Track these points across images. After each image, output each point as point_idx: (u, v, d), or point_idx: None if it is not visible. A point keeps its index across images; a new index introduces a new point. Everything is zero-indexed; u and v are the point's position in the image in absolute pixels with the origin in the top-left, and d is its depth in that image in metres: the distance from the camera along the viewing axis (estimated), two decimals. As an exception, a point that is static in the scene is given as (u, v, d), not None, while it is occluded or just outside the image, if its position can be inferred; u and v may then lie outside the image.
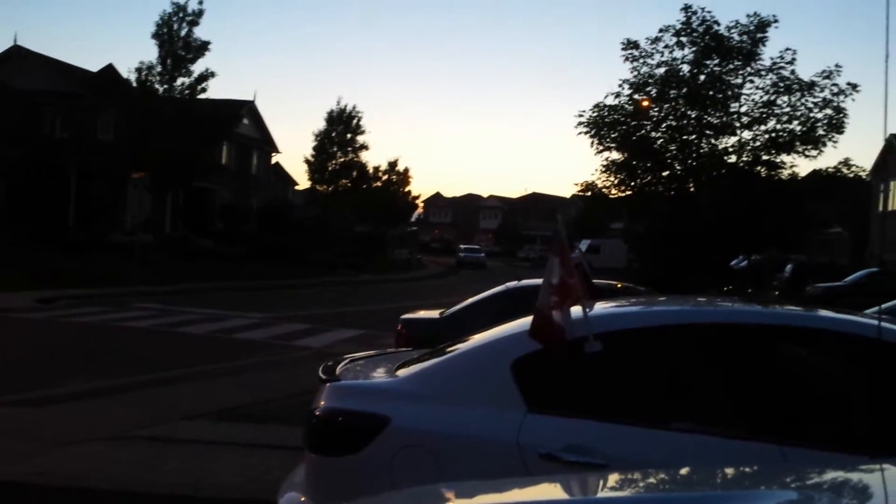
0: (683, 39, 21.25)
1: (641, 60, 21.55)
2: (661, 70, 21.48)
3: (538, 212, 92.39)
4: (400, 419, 3.35)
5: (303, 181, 56.80)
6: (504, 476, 3.13)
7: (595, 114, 21.49)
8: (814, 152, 21.09)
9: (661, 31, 21.38)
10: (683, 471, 2.35)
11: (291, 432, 7.35)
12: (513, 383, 3.32)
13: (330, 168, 51.87)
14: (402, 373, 3.68)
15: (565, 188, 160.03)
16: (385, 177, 59.33)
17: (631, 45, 21.46)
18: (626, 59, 21.62)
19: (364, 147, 52.84)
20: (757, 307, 3.84)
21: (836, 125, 20.73)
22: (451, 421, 3.33)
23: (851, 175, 22.75)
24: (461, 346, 3.77)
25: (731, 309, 3.87)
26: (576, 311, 3.45)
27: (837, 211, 29.13)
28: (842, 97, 20.44)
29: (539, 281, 8.94)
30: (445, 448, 3.28)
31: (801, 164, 22.46)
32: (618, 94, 21.53)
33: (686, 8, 20.91)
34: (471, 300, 8.71)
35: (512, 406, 3.26)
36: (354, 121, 52.29)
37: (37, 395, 8.48)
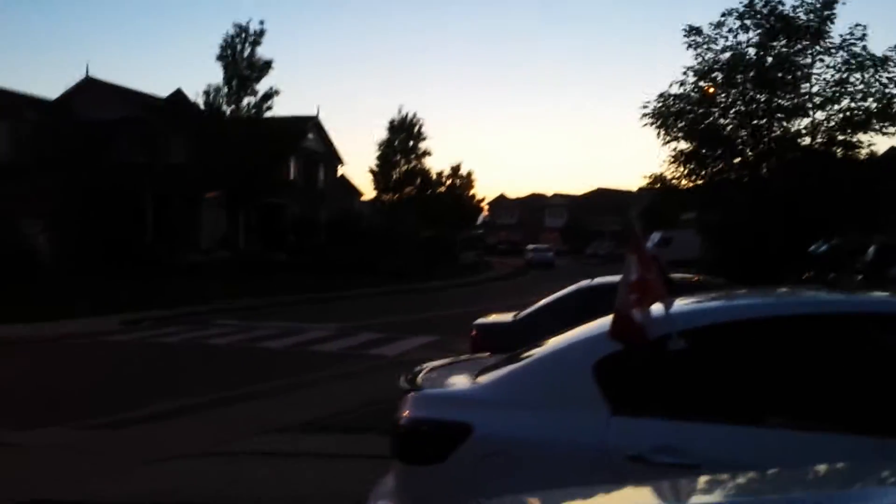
0: (748, 22, 20.63)
1: (705, 46, 21.01)
2: (727, 55, 20.91)
3: (604, 207, 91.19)
4: (483, 426, 3.33)
5: (369, 191, 57.47)
6: (592, 481, 3.08)
7: (660, 104, 21.06)
8: (892, 129, 20.20)
9: (723, 14, 20.81)
10: (774, 472, 2.23)
11: (375, 441, 7.44)
12: (596, 385, 3.26)
13: (394, 176, 52.36)
14: (482, 379, 3.66)
15: (631, 181, 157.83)
16: (449, 181, 59.57)
17: (693, 31, 20.94)
18: (689, 45, 21.10)
19: (427, 153, 53.25)
20: (842, 295, 3.70)
21: (915, 100, 19.84)
22: (534, 426, 3.29)
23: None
24: (541, 351, 3.73)
25: (818, 298, 3.72)
26: (657, 308, 3.37)
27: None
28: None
29: (612, 278, 8.88)
30: (529, 454, 3.25)
31: (879, 142, 21.85)
32: (682, 83, 21.04)
33: None
34: (544, 301, 8.63)
35: (596, 409, 3.21)
36: (416, 128, 52.71)
37: (125, 416, 8.77)
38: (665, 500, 2.18)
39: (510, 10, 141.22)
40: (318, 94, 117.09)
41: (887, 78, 20.03)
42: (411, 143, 52.68)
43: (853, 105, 20.61)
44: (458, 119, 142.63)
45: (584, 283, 8.56)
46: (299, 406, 9.30)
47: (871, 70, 20.18)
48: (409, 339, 15.48)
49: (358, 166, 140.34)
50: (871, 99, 20.35)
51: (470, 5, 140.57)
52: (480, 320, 8.79)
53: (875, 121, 20.31)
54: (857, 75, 20.39)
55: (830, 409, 3.09)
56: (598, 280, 8.57)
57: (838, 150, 21.02)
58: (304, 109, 53.10)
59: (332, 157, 52.39)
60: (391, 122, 52.54)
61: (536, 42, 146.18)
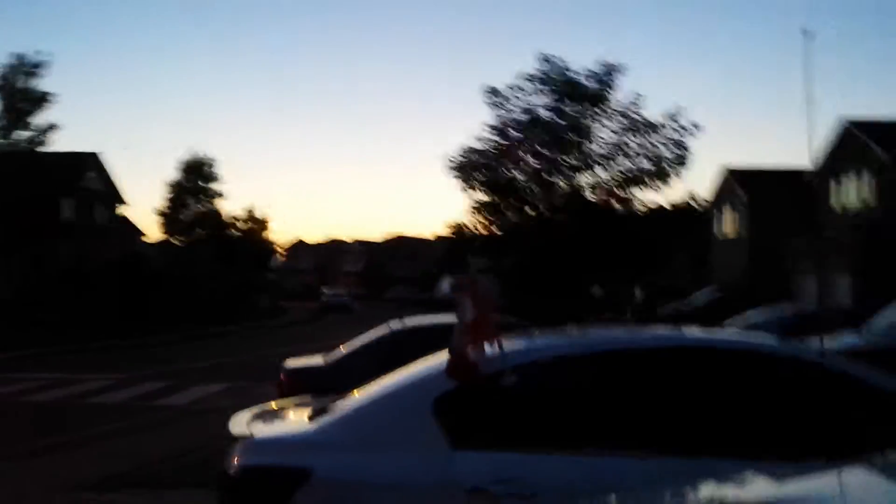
0: (541, 86, 22.49)
1: (502, 106, 22.59)
2: (522, 116, 22.61)
3: (403, 253, 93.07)
4: (322, 470, 3.27)
5: (154, 233, 54.42)
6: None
7: (463, 158, 22.26)
8: (662, 187, 22.72)
9: (520, 78, 22.55)
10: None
11: (178, 498, 6.99)
12: (435, 423, 3.33)
13: (184, 218, 50.07)
14: (318, 422, 3.60)
15: (429, 229, 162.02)
16: (243, 224, 57.89)
17: (493, 91, 22.48)
18: (489, 104, 22.60)
19: (220, 195, 51.49)
20: (666, 331, 4.06)
21: (681, 161, 22.47)
22: (376, 467, 3.28)
23: (696, 207, 24.53)
24: (377, 390, 3.74)
25: (639, 335, 4.04)
26: (490, 347, 3.53)
27: (683, 238, 31.27)
28: (685, 135, 22.25)
29: (422, 320, 9.02)
30: (372, 496, 3.23)
31: (651, 198, 24.54)
32: (482, 139, 22.45)
33: (542, 57, 22.26)
34: (356, 343, 8.57)
35: (436, 445, 3.27)
36: (208, 169, 50.87)
37: None
38: None
39: (311, 55, 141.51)
40: (103, 132, 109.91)
41: (659, 142, 22.55)
42: (203, 184, 50.73)
43: (630, 164, 22.96)
44: (257, 162, 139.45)
45: (396, 325, 8.63)
46: (88, 463, 8.49)
47: (646, 133, 22.61)
48: (205, 386, 14.73)
49: (144, 207, 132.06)
50: (645, 159, 22.78)
51: (271, 51, 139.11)
52: (289, 363, 8.50)
53: (648, 179, 22.69)
54: (634, 138, 22.77)
55: (653, 435, 3.32)
56: (409, 322, 8.68)
57: (617, 205, 23.19)
58: (86, 147, 49.64)
59: (114, 197, 49.10)
60: (184, 163, 50.41)
61: (338, 90, 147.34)
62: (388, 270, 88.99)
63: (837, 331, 9.10)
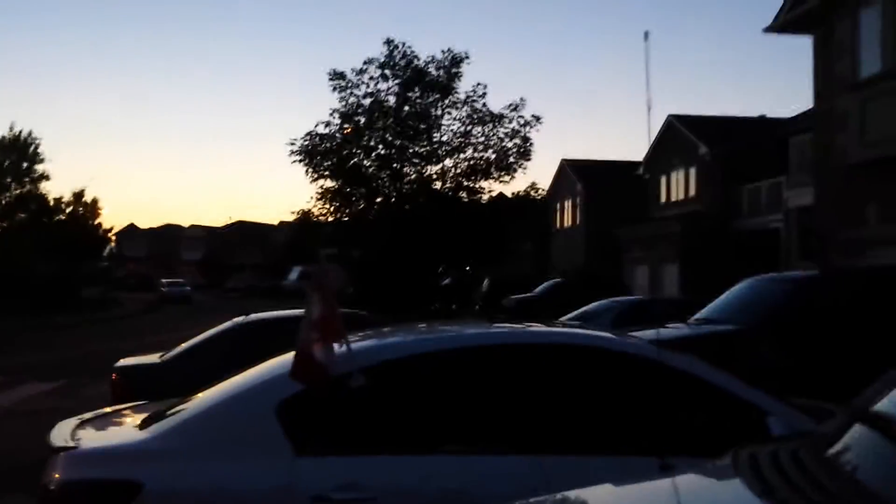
0: (387, 72, 22.38)
1: (349, 91, 22.27)
2: (368, 101, 22.40)
3: (245, 240, 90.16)
4: (154, 482, 3.07)
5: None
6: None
7: (307, 142, 21.73)
8: (507, 178, 23.35)
9: (365, 62, 22.27)
10: None
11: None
12: (279, 428, 3.20)
13: (3, 202, 46.13)
14: (149, 430, 3.37)
15: (273, 215, 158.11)
16: (70, 209, 54.09)
17: (338, 75, 22.10)
18: (334, 88, 22.21)
19: (44, 177, 47.84)
20: (509, 328, 4.11)
21: (524, 153, 23.17)
22: (214, 476, 3.12)
23: (538, 197, 25.38)
24: (215, 394, 3.55)
25: (476, 331, 4.08)
26: (337, 346, 3.42)
27: (526, 228, 32.35)
28: (528, 128, 22.97)
29: (266, 314, 8.75)
30: (211, 507, 3.06)
31: (497, 189, 25.17)
32: (328, 124, 22.04)
33: (388, 42, 22.03)
34: (195, 340, 8.16)
35: (279, 452, 3.14)
36: (31, 148, 47.09)
37: None
38: None
39: (151, 24, 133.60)
40: None
41: (503, 133, 23.11)
42: (25, 164, 46.91)
43: (476, 155, 23.40)
44: (86, 141, 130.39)
45: (239, 319, 8.29)
46: None
47: (490, 125, 23.11)
48: (28, 385, 13.61)
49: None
50: (490, 150, 23.29)
51: (104, 20, 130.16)
52: (122, 362, 7.96)
53: (493, 170, 23.23)
54: (479, 129, 23.23)
55: (499, 434, 3.36)
56: (253, 316, 8.39)
57: (464, 195, 23.58)
58: None
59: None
60: (1, 141, 46.32)
61: (175, 65, 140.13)
62: (231, 258, 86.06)
63: (667, 320, 9.67)
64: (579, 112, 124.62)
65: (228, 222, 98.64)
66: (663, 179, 32.96)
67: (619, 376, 3.55)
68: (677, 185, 32.01)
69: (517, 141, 22.93)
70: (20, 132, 46.83)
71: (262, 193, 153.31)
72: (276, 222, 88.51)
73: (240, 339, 7.63)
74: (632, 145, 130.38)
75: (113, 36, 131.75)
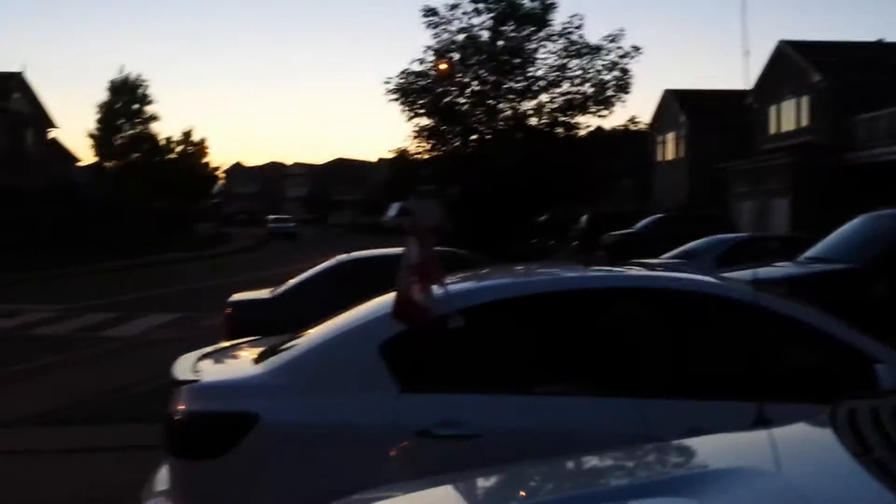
0: (480, 6, 22.00)
1: (442, 27, 22.06)
2: (462, 37, 22.12)
3: (345, 177, 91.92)
4: (269, 414, 3.27)
5: (88, 157, 52.56)
6: (383, 460, 3.17)
7: (403, 80, 21.79)
8: (605, 112, 22.73)
9: None
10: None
11: (124, 432, 6.96)
12: (383, 365, 3.34)
13: (118, 142, 48.40)
14: (264, 365, 3.58)
15: (371, 152, 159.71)
16: (180, 148, 56.25)
17: (430, 12, 21.89)
18: (428, 25, 22.03)
19: (154, 118, 49.81)
20: (607, 271, 4.12)
21: (623, 86, 22.42)
22: (324, 410, 3.30)
23: (638, 130, 24.64)
24: (323, 332, 3.73)
25: (576, 275, 4.09)
26: (437, 288, 3.51)
27: (625, 163, 31.58)
28: (626, 59, 22.17)
29: (369, 252, 8.99)
30: (321, 440, 3.26)
31: (594, 123, 24.41)
32: (422, 61, 21.97)
33: None
34: (302, 276, 8.50)
35: (385, 388, 3.29)
36: (141, 90, 49.00)
37: None
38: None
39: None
40: (27, 51, 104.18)
41: (601, 65, 22.40)
42: (136, 106, 48.92)
43: (572, 89, 22.81)
44: (191, 81, 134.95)
45: (343, 257, 8.58)
46: (29, 397, 8.37)
47: (588, 58, 22.42)
48: (150, 318, 14.53)
49: (75, 130, 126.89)
50: (587, 84, 22.65)
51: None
52: (235, 297, 8.39)
53: (590, 104, 22.63)
54: (576, 62, 22.58)
55: (601, 376, 3.41)
56: (356, 254, 8.65)
57: (560, 130, 23.12)
58: (8, 66, 47.14)
59: (43, 120, 47.06)
60: (112, 83, 48.37)
61: (276, 6, 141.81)
62: (333, 195, 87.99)
63: (774, 259, 9.35)
64: (681, 39, 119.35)
65: (330, 160, 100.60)
66: (773, 109, 31.37)
67: (717, 320, 3.53)
68: (788, 115, 30.42)
69: (616, 73, 22.23)
70: (129, 75, 48.73)
71: (362, 132, 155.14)
72: (375, 159, 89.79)
73: (343, 276, 7.93)
74: (734, 73, 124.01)
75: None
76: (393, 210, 55.76)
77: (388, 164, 56.98)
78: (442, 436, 3.17)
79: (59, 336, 12.72)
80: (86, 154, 54.50)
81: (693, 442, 2.03)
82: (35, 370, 9.88)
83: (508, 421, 3.23)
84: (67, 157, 56.91)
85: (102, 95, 49.27)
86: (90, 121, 64.69)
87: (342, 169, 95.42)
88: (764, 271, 7.39)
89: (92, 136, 48.11)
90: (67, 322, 14.13)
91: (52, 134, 49.90)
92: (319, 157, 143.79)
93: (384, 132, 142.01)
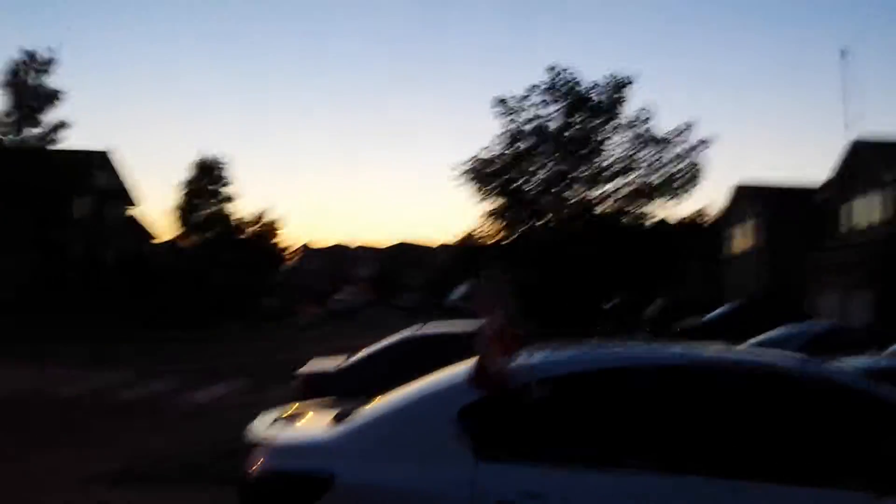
0: (551, 99, 22.50)
1: (511, 117, 22.63)
2: (531, 125, 22.60)
3: (407, 260, 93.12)
4: (345, 476, 3.25)
5: (164, 234, 54.49)
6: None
7: (474, 165, 22.35)
8: (672, 202, 22.69)
9: (528, 89, 22.56)
10: None
11: (196, 493, 6.99)
12: (461, 432, 3.30)
13: (195, 220, 50.17)
14: (340, 428, 3.57)
15: (433, 237, 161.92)
16: (253, 228, 57.95)
17: (501, 102, 22.53)
18: (499, 115, 22.62)
19: (230, 198, 51.51)
20: (698, 349, 4.00)
21: (691, 178, 22.38)
22: (400, 474, 3.26)
23: (705, 222, 24.43)
24: (399, 397, 3.72)
25: (670, 351, 4.01)
26: (517, 357, 3.49)
27: (695, 252, 31.18)
28: (695, 152, 22.21)
29: (436, 329, 9.01)
30: None
31: (662, 213, 24.31)
32: (492, 148, 22.56)
33: (552, 68, 22.34)
34: (370, 349, 8.58)
35: (462, 456, 3.24)
36: (220, 171, 50.95)
37: None
38: None
39: (324, 60, 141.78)
40: (114, 131, 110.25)
41: (669, 157, 22.48)
42: (214, 186, 50.80)
43: (640, 179, 22.88)
44: (263, 162, 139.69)
45: (410, 332, 8.63)
46: (104, 457, 8.50)
47: (656, 148, 22.53)
48: (220, 385, 14.75)
49: (153, 207, 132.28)
50: (655, 174, 22.69)
51: (278, 50, 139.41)
52: (305, 368, 8.53)
53: (657, 194, 22.61)
54: (644, 152, 22.71)
55: (687, 454, 3.28)
56: (424, 330, 8.68)
57: (627, 219, 23.08)
58: (96, 145, 49.76)
59: (124, 196, 49.28)
60: (193, 164, 50.51)
61: (347, 96, 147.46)
62: (397, 276, 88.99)
63: (862, 349, 8.99)
64: (754, 132, 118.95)
65: (390, 244, 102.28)
66: (848, 205, 30.76)
67: (823, 405, 3.38)
68: (863, 210, 29.76)
69: (684, 165, 22.24)
70: (209, 157, 50.85)
71: (424, 216, 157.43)
72: (435, 245, 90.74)
73: (410, 349, 7.95)
74: (809, 168, 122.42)
75: (290, 68, 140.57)
76: (457, 292, 56.03)
77: (447, 249, 57.26)
78: (523, 509, 3.08)
79: (131, 400, 12.99)
80: (162, 230, 56.46)
81: None
82: (107, 432, 10.05)
83: (592, 497, 3.12)
84: (143, 233, 59.19)
85: (182, 175, 51.39)
86: (167, 199, 67.43)
87: (403, 252, 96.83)
88: (862, 361, 7.11)
89: (170, 213, 50.02)
90: (139, 387, 14.44)
91: (132, 211, 52.14)
92: (383, 239, 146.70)
93: (445, 218, 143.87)
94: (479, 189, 22.39)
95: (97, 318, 29.55)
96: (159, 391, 14.03)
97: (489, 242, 23.42)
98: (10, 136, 32.60)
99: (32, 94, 32.76)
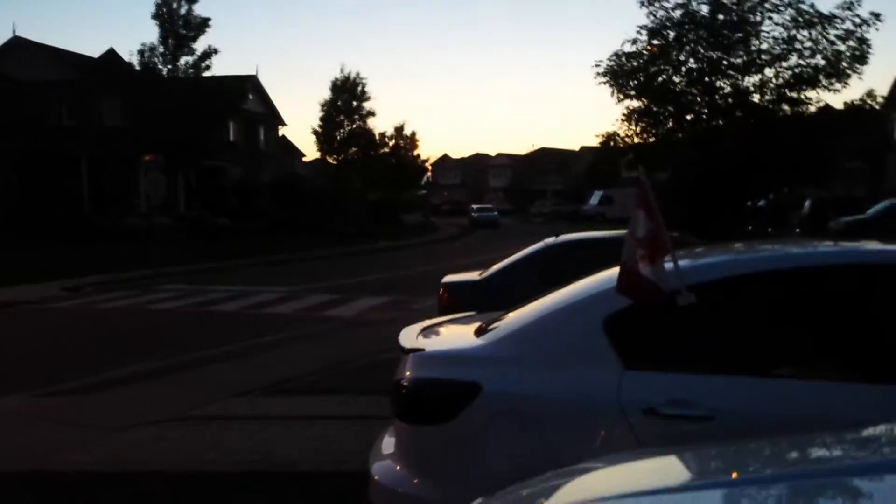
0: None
1: (658, 4, 21.17)
2: (678, 13, 21.10)
3: (547, 167, 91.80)
4: (491, 385, 3.26)
5: (311, 153, 56.54)
6: (605, 436, 3.06)
7: (613, 62, 21.21)
8: (838, 85, 20.68)
9: None
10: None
11: (347, 401, 7.37)
12: (606, 341, 3.21)
13: (338, 137, 51.56)
14: (484, 337, 3.58)
15: (574, 141, 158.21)
16: (393, 142, 58.94)
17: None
18: (642, 4, 21.24)
19: (371, 114, 52.47)
20: (845, 246, 3.72)
21: (860, 56, 20.28)
22: (545, 383, 3.23)
23: (876, 107, 22.30)
24: (543, 306, 3.66)
25: (820, 251, 3.73)
26: (664, 263, 3.33)
27: (857, 143, 28.70)
28: (864, 27, 20.02)
29: (576, 235, 8.85)
30: (541, 411, 3.20)
31: (825, 99, 22.20)
32: (635, 41, 21.23)
33: None
34: (510, 260, 8.54)
35: (607, 364, 3.16)
36: (359, 88, 51.83)
37: (81, 383, 8.46)
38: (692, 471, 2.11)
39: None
40: (257, 55, 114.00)
41: (834, 35, 20.43)
42: (355, 103, 51.82)
43: (801, 62, 21.01)
44: (402, 77, 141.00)
45: (550, 240, 8.50)
46: (262, 368, 9.13)
47: (819, 27, 20.53)
48: (364, 300, 15.33)
49: (299, 127, 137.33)
50: (818, 56, 20.77)
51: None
52: (448, 279, 8.63)
53: (822, 77, 20.73)
54: (805, 32, 20.75)
55: (837, 359, 3.12)
56: (564, 237, 8.55)
57: (786, 107, 21.44)
58: (242, 69, 51.74)
59: (273, 118, 51.31)
60: (334, 82, 51.60)
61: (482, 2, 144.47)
62: (534, 184, 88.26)
63: None
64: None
65: (532, 150, 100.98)
66: None
67: None
68: None
69: (851, 43, 20.11)
70: (350, 73, 51.71)
71: (564, 119, 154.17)
72: (577, 148, 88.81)
73: (551, 258, 7.86)
74: None
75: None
76: (595, 198, 55.00)
77: (590, 153, 55.99)
78: (671, 416, 3.00)
79: (286, 315, 13.77)
80: (309, 150, 58.57)
81: None
82: (264, 346, 10.74)
83: (744, 404, 2.99)
84: (294, 153, 61.60)
85: (325, 94, 52.72)
86: (314, 118, 69.33)
87: (544, 158, 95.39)
88: None
89: (315, 132, 51.62)
90: (292, 303, 15.26)
91: (281, 132, 54.33)
92: (523, 146, 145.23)
93: (588, 120, 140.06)
94: (620, 86, 21.36)
95: (255, 238, 31.34)
96: (309, 306, 14.76)
97: (631, 143, 22.48)
98: (166, 67, 34.36)
99: (183, 24, 34.22)
